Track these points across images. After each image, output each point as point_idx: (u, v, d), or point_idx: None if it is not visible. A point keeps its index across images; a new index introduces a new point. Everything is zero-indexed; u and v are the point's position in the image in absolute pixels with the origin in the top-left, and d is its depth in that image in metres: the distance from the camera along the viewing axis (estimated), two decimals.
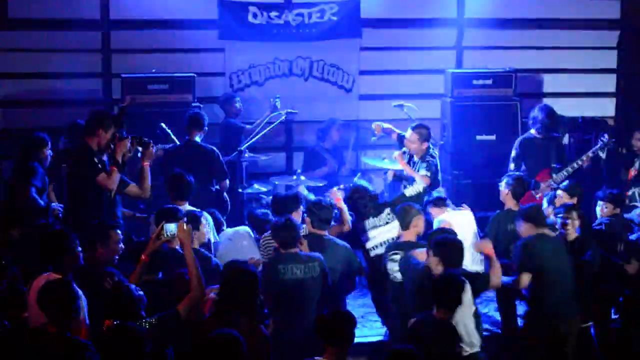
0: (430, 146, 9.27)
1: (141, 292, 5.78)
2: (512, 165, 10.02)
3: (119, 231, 6.90)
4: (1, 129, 11.08)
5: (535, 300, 7.42)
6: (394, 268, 7.39)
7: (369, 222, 8.17)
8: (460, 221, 8.00)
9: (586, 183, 9.55)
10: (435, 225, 8.11)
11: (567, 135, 11.83)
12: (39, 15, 11.16)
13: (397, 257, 7.40)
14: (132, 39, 11.45)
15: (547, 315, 7.32)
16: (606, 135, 10.00)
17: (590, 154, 9.87)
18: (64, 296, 5.58)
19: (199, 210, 7.84)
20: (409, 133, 9.26)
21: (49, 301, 5.56)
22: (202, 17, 11.46)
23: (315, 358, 5.66)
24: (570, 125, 11.82)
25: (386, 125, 9.76)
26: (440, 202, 8.36)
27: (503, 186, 8.42)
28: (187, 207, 7.96)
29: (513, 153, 10.08)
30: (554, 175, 9.86)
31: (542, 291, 7.32)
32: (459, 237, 7.17)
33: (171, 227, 6.30)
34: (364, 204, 8.18)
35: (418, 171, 9.10)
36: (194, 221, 7.24)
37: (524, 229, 7.57)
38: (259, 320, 6.14)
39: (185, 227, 6.29)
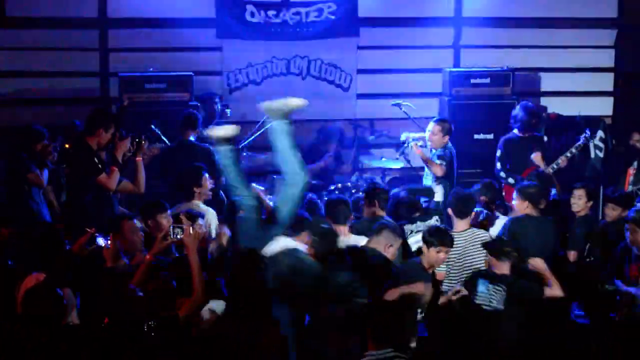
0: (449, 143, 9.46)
1: (141, 293, 5.67)
2: (498, 165, 10.05)
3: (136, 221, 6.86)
4: None
5: None
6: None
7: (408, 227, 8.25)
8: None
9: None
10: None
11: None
12: (37, 14, 11.14)
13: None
14: (130, 37, 11.43)
15: None
16: (588, 131, 10.02)
17: (568, 154, 9.83)
18: (46, 303, 5.49)
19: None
20: (431, 125, 9.46)
21: (31, 309, 5.49)
22: (200, 15, 11.45)
23: None
24: (568, 124, 11.81)
25: (420, 144, 9.68)
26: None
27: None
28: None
29: (498, 152, 10.12)
30: None
31: None
32: None
33: (178, 230, 6.19)
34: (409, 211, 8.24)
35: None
36: (192, 220, 7.11)
37: None
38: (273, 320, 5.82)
39: (191, 231, 6.12)
